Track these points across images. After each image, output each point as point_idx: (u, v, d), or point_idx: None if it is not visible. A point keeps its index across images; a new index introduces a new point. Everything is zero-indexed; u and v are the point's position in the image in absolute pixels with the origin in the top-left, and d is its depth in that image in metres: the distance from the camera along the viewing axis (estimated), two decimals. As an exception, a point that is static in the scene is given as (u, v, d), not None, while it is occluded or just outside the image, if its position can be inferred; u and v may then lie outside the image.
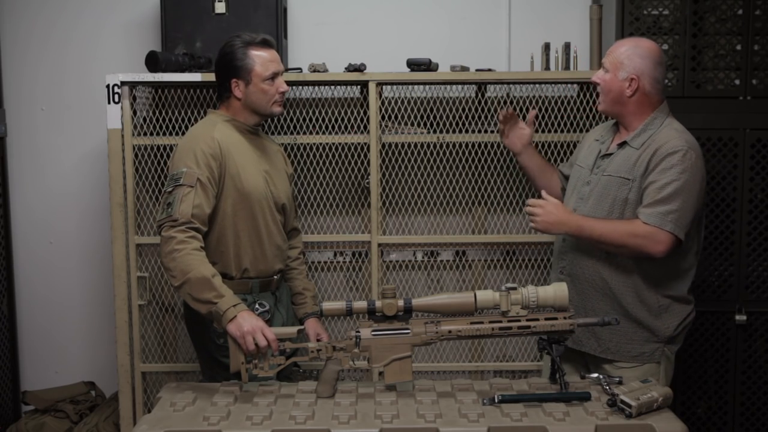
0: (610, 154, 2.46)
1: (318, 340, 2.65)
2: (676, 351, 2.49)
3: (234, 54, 2.46)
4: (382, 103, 3.07)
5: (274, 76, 2.48)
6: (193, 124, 3.04)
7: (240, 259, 2.46)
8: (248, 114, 2.52)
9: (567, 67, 3.11)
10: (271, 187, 2.52)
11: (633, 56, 2.39)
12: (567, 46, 3.12)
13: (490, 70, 3.07)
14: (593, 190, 2.45)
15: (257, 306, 2.47)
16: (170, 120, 3.09)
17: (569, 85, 3.17)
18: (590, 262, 2.43)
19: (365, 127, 3.06)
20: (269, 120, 3.05)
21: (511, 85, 3.10)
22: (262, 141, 2.61)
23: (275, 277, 2.57)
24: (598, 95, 2.49)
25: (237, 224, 2.44)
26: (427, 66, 2.93)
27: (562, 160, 3.05)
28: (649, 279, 2.39)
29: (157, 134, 3.09)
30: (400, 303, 2.11)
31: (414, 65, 2.96)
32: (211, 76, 2.97)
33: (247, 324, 2.17)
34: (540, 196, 2.40)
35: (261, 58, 2.47)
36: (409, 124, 3.14)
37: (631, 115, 2.43)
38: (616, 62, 2.41)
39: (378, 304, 2.11)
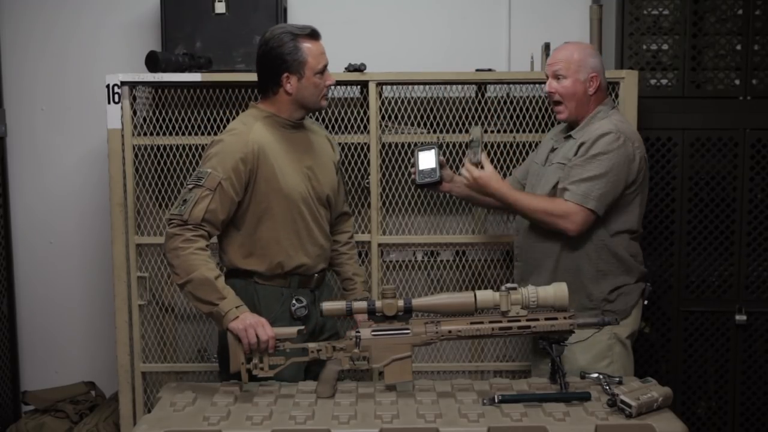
0: (557, 148, 2.59)
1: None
2: (630, 337, 2.52)
3: (284, 47, 2.34)
4: (382, 103, 3.06)
5: (324, 69, 2.40)
6: (193, 125, 3.07)
7: (281, 262, 2.40)
8: (295, 109, 2.42)
9: (567, 67, 3.11)
10: (313, 183, 2.45)
11: (586, 57, 2.52)
12: (567, 46, 3.12)
13: (490, 70, 3.07)
14: (540, 180, 2.58)
15: (294, 301, 2.42)
16: (170, 120, 3.08)
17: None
18: (538, 245, 2.53)
19: (365, 127, 3.06)
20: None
21: (511, 85, 3.10)
22: (305, 134, 2.50)
23: (316, 275, 2.51)
24: (555, 103, 2.54)
25: (276, 226, 2.38)
26: None
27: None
28: (590, 260, 2.47)
29: (157, 134, 3.09)
30: (400, 303, 2.11)
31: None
32: (210, 76, 2.98)
33: (249, 318, 2.18)
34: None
35: (312, 51, 2.36)
36: (409, 124, 3.14)
37: (587, 113, 2.54)
38: (573, 66, 2.50)
39: (378, 304, 2.11)
